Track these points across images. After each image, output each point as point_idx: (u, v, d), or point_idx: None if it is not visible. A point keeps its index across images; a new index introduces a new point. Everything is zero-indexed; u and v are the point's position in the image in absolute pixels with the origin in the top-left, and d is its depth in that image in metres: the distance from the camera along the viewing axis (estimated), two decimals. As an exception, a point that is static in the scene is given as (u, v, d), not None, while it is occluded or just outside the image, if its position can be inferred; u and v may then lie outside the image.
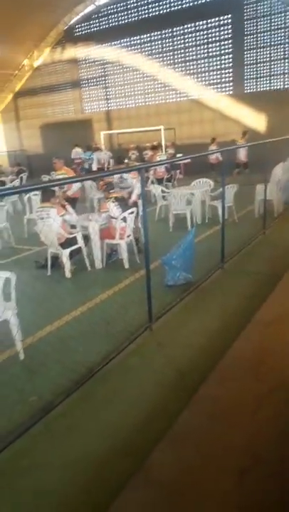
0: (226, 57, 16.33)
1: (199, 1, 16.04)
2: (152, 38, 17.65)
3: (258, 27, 15.43)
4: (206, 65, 16.76)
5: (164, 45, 17.47)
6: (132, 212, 6.09)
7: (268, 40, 15.41)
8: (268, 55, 15.58)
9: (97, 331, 3.89)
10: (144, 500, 1.85)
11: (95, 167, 13.98)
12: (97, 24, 18.95)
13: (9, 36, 18.07)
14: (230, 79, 16.47)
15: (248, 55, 15.87)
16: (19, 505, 2.27)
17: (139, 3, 17.43)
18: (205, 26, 16.37)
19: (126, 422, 2.85)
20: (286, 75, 15.56)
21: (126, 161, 14.31)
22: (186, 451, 2.13)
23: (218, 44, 16.37)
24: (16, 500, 2.30)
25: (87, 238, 6.14)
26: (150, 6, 17.17)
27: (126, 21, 18.02)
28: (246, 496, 1.76)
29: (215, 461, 2.05)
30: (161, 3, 16.88)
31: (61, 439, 2.74)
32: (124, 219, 5.98)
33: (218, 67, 16.56)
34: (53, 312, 4.04)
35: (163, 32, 17.28)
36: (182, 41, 17.05)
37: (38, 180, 14.83)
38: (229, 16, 15.76)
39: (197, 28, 16.54)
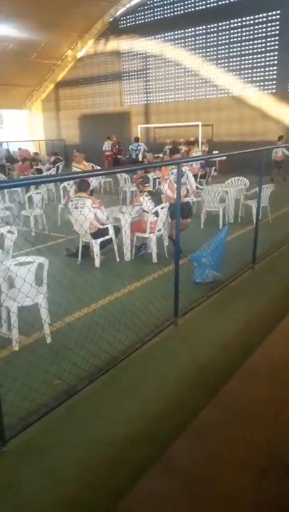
0: (271, 54, 15.93)
1: (247, -4, 15.70)
2: (197, 33, 17.44)
3: (307, 24, 14.94)
4: (250, 61, 16.42)
5: (208, 40, 17.23)
6: (163, 208, 6.10)
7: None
8: (316, 54, 15.07)
9: (122, 321, 3.94)
10: (163, 487, 1.89)
11: (141, 157, 14.24)
12: (142, 17, 18.90)
13: (55, 27, 18.34)
14: (274, 77, 16.07)
15: (295, 53, 15.42)
16: (39, 483, 2.35)
17: (185, -3, 17.26)
18: (252, 22, 16.01)
19: (146, 411, 2.89)
20: None
21: (160, 155, 14.32)
22: (206, 446, 2.15)
23: (264, 41, 15.98)
24: (37, 478, 2.38)
25: (118, 230, 6.20)
26: (197, -1, 16.97)
27: (171, 14, 17.88)
28: (264, 493, 1.76)
29: (234, 458, 2.06)
30: (208, -3, 16.65)
31: (82, 423, 2.82)
32: (156, 213, 6.00)
33: (262, 64, 16.19)
34: (82, 299, 4.11)
35: (208, 26, 17.04)
36: (227, 36, 16.76)
37: (117, 163, 16.32)
38: (278, 11, 15.34)
39: (243, 23, 16.20)
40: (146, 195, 6.15)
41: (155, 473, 1.98)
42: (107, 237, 5.99)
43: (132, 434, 2.68)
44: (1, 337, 3.77)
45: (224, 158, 12.92)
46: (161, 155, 14.33)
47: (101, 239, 5.93)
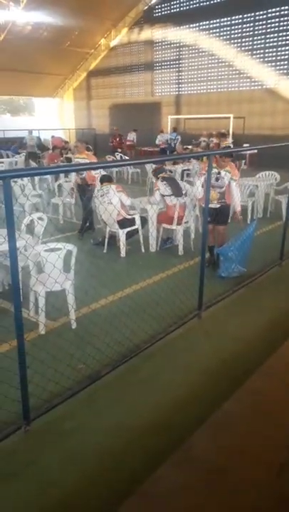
0: (310, 45, 15.43)
1: (287, -16, 15.20)
2: (232, 22, 17.06)
3: None
4: (287, 53, 15.95)
5: (244, 30, 16.83)
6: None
7: None
8: None
9: (146, 311, 3.97)
10: (182, 475, 1.92)
11: (178, 147, 14.19)
12: (178, 5, 18.62)
13: (90, 15, 18.33)
14: (311, 69, 15.58)
15: None
16: (61, 463, 2.42)
17: (222, -15, 16.87)
18: (291, 11, 15.52)
19: (166, 400, 2.92)
20: None
21: (189, 146, 14.19)
22: (226, 438, 2.17)
23: (302, 31, 15.49)
24: (59, 458, 2.46)
25: (145, 221, 6.23)
26: (234, -12, 16.56)
27: (207, 3, 17.54)
28: (283, 489, 1.77)
29: (254, 452, 2.07)
30: (246, -15, 16.22)
31: (104, 408, 2.88)
32: (175, 196, 5.98)
33: (300, 55, 15.71)
34: (107, 287, 4.17)
35: (244, 16, 16.63)
36: (264, 26, 16.31)
37: (101, 159, 15.32)
38: None
39: (282, 12, 15.72)
40: (162, 180, 6.15)
41: (175, 461, 2.01)
42: (133, 228, 6.03)
43: (152, 422, 2.72)
44: (28, 320, 3.87)
45: (255, 151, 12.68)
46: (190, 147, 14.20)
47: (128, 229, 5.97)
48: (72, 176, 7.39)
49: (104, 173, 7.07)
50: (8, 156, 15.60)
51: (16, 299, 2.47)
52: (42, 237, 4.83)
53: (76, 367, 3.17)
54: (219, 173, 5.08)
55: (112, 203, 5.75)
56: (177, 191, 6.10)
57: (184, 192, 6.19)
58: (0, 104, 43.41)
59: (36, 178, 10.23)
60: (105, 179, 6.33)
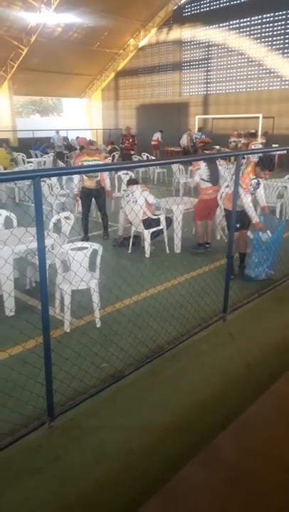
0: None
1: None
2: (263, 21, 16.77)
3: None
4: None
5: (275, 29, 16.52)
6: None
7: None
8: None
9: (170, 312, 3.96)
10: (205, 478, 1.91)
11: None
12: (207, 4, 18.47)
13: (119, 16, 18.44)
14: None
15: None
16: (84, 459, 2.45)
17: (254, -17, 16.62)
18: None
19: (189, 402, 2.91)
20: None
21: (217, 147, 14.03)
22: (251, 441, 2.14)
23: None
24: (82, 455, 2.49)
25: (170, 221, 6.21)
26: (266, -15, 16.28)
27: (238, 1, 17.32)
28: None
29: (278, 456, 2.03)
30: (278, -18, 15.91)
31: (126, 407, 2.89)
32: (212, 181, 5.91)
33: None
34: (132, 287, 4.18)
35: (276, 14, 16.32)
36: (296, 24, 15.97)
37: (128, 159, 15.36)
38: None
39: (315, 10, 15.36)
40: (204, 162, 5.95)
41: (198, 462, 2.00)
42: (158, 228, 6.03)
43: (175, 422, 2.72)
44: (54, 318, 3.93)
45: (284, 152, 12.43)
46: (218, 147, 14.05)
47: (153, 229, 5.97)
48: (76, 180, 6.71)
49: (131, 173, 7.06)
50: (36, 156, 15.90)
51: (44, 297, 2.52)
52: (69, 236, 4.90)
53: (100, 365, 3.20)
54: (258, 182, 4.98)
55: (137, 201, 5.78)
56: (215, 179, 5.97)
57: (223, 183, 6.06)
58: (30, 104, 44.32)
59: (64, 178, 10.37)
60: (131, 182, 6.41)
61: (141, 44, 21.47)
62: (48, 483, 2.28)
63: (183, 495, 1.89)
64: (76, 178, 6.60)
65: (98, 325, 3.93)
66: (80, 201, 6.75)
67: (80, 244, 4.00)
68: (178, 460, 2.23)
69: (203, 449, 2.13)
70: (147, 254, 5.96)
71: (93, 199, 6.73)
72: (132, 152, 14.26)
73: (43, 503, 2.17)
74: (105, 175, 6.62)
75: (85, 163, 6.31)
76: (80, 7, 16.75)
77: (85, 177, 6.42)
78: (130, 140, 14.58)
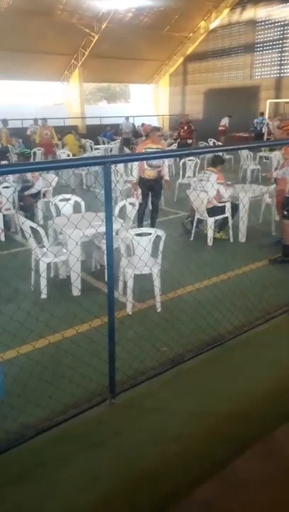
0: None
1: None
2: None
3: None
4: None
5: None
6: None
7: None
8: None
9: (233, 301, 3.91)
10: (263, 469, 1.90)
11: (276, 132, 13.60)
12: (286, -20, 17.42)
13: (190, -3, 18.03)
14: None
15: None
16: (141, 438, 2.53)
17: None
18: None
19: (250, 392, 2.88)
20: None
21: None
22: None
23: None
24: (139, 433, 2.57)
25: (236, 208, 6.06)
26: None
27: None
28: None
29: None
30: None
31: (185, 392, 2.92)
32: None
33: None
34: (194, 274, 4.17)
35: None
36: None
37: (193, 145, 15.14)
38: None
39: None
40: None
41: (257, 452, 1.99)
42: (222, 216, 5.92)
43: (233, 411, 2.70)
44: (117, 300, 4.06)
45: None
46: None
47: (217, 217, 5.87)
48: (135, 169, 6.02)
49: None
50: (104, 143, 16.23)
51: (110, 280, 2.60)
52: (132, 222, 5.00)
53: (160, 348, 3.26)
54: None
55: (206, 191, 5.67)
56: None
57: None
58: (98, 91, 45.12)
59: (129, 164, 10.50)
60: (216, 163, 6.13)
61: (212, 26, 20.84)
62: (109, 456, 2.39)
63: (239, 482, 1.90)
64: (135, 170, 6.03)
65: (159, 310, 3.99)
66: (139, 191, 6.08)
67: (144, 229, 4.07)
68: (236, 448, 2.23)
69: (262, 439, 2.11)
70: (210, 243, 5.88)
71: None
72: (190, 141, 13.24)
73: (104, 475, 2.28)
74: (166, 163, 6.18)
75: (149, 151, 5.75)
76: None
77: (146, 166, 5.91)
78: (185, 128, 13.40)
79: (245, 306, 3.87)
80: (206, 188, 5.76)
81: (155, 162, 5.87)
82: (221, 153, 6.63)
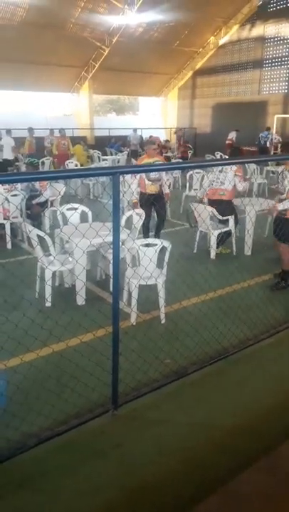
0: None
1: None
2: None
3: None
4: None
5: None
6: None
7: None
8: None
9: (238, 314, 3.89)
10: (267, 484, 1.87)
11: (269, 144, 13.76)
12: (295, -2, 17.67)
13: (201, 13, 18.29)
14: None
15: None
16: (144, 450, 2.50)
17: None
18: None
19: (253, 407, 2.85)
20: None
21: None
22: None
23: None
24: (142, 445, 2.54)
25: (237, 221, 6.05)
26: None
27: None
28: None
29: None
30: None
31: (188, 405, 2.90)
32: None
33: None
34: (199, 286, 4.15)
35: None
36: None
37: (200, 158, 15.31)
38: None
39: None
40: None
41: (261, 467, 1.97)
42: (226, 229, 5.91)
43: (237, 425, 2.67)
44: (121, 310, 4.05)
45: None
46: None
47: (219, 230, 5.86)
48: (134, 185, 5.77)
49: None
50: (111, 154, 16.38)
51: (115, 290, 2.60)
52: (138, 233, 5.01)
53: (164, 360, 3.24)
54: None
55: (224, 183, 5.58)
56: None
57: None
58: (106, 103, 45.66)
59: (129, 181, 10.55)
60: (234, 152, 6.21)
61: (221, 42, 21.12)
62: (111, 466, 2.37)
63: (242, 497, 1.87)
64: (134, 184, 5.77)
65: (163, 321, 3.98)
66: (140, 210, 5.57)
67: (150, 240, 4.08)
68: (240, 462, 2.20)
69: (267, 454, 2.08)
70: (213, 256, 5.85)
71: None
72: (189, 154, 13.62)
73: (106, 484, 2.25)
74: (165, 177, 6.00)
75: (155, 163, 5.45)
76: (162, 6, 16.87)
77: (147, 182, 5.75)
78: (181, 143, 13.82)
79: (250, 319, 3.85)
80: (224, 178, 5.72)
81: (153, 176, 5.71)
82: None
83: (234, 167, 5.76)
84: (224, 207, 5.82)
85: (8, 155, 12.07)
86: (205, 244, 6.13)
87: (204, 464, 2.38)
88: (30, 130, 13.54)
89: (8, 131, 12.54)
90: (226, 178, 5.74)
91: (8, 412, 2.49)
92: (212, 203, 5.88)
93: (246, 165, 10.46)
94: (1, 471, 2.28)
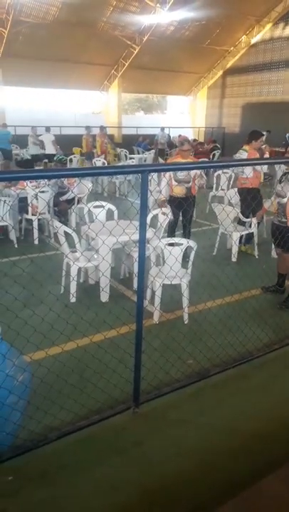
0: None
1: None
2: None
3: None
4: None
5: None
6: None
7: None
8: None
9: (263, 318, 3.82)
10: (286, 492, 1.82)
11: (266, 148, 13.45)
12: None
13: (234, 11, 18.06)
14: None
15: None
16: (164, 449, 2.50)
17: None
18: None
19: (277, 412, 2.80)
20: None
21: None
22: None
23: None
24: (162, 444, 2.54)
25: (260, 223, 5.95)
26: None
27: None
28: None
29: None
30: None
31: (209, 407, 2.87)
32: None
33: None
34: (225, 287, 4.10)
35: None
36: None
37: (229, 157, 15.12)
38: None
39: None
40: None
41: (282, 476, 1.92)
42: (247, 232, 5.81)
43: (259, 430, 2.63)
44: (144, 308, 4.05)
45: None
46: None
47: (241, 232, 5.75)
48: (163, 184, 5.56)
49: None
50: (138, 153, 16.41)
51: (140, 288, 2.61)
52: (163, 232, 5.00)
53: (186, 361, 3.23)
54: None
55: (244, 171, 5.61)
56: None
57: None
58: (135, 101, 45.68)
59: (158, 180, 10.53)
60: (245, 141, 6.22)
61: (253, 41, 20.78)
62: (130, 464, 2.38)
63: (261, 505, 1.83)
64: (163, 182, 5.57)
65: (186, 321, 3.95)
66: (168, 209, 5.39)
67: (176, 239, 4.06)
68: (260, 468, 2.16)
69: (287, 464, 2.04)
70: (234, 258, 5.75)
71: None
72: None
73: (125, 481, 2.26)
74: (198, 179, 5.64)
75: (182, 161, 5.39)
76: (194, 2, 16.71)
77: (174, 182, 5.46)
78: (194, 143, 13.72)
79: (276, 323, 3.78)
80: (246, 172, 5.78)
81: (182, 176, 5.41)
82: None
83: (244, 154, 5.91)
84: (244, 194, 5.83)
85: (50, 150, 12.71)
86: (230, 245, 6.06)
87: (223, 468, 2.36)
88: (88, 128, 13.67)
89: (48, 129, 13.20)
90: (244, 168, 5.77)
91: (31, 404, 2.53)
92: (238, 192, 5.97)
93: (275, 166, 10.26)
94: (24, 462, 2.33)
